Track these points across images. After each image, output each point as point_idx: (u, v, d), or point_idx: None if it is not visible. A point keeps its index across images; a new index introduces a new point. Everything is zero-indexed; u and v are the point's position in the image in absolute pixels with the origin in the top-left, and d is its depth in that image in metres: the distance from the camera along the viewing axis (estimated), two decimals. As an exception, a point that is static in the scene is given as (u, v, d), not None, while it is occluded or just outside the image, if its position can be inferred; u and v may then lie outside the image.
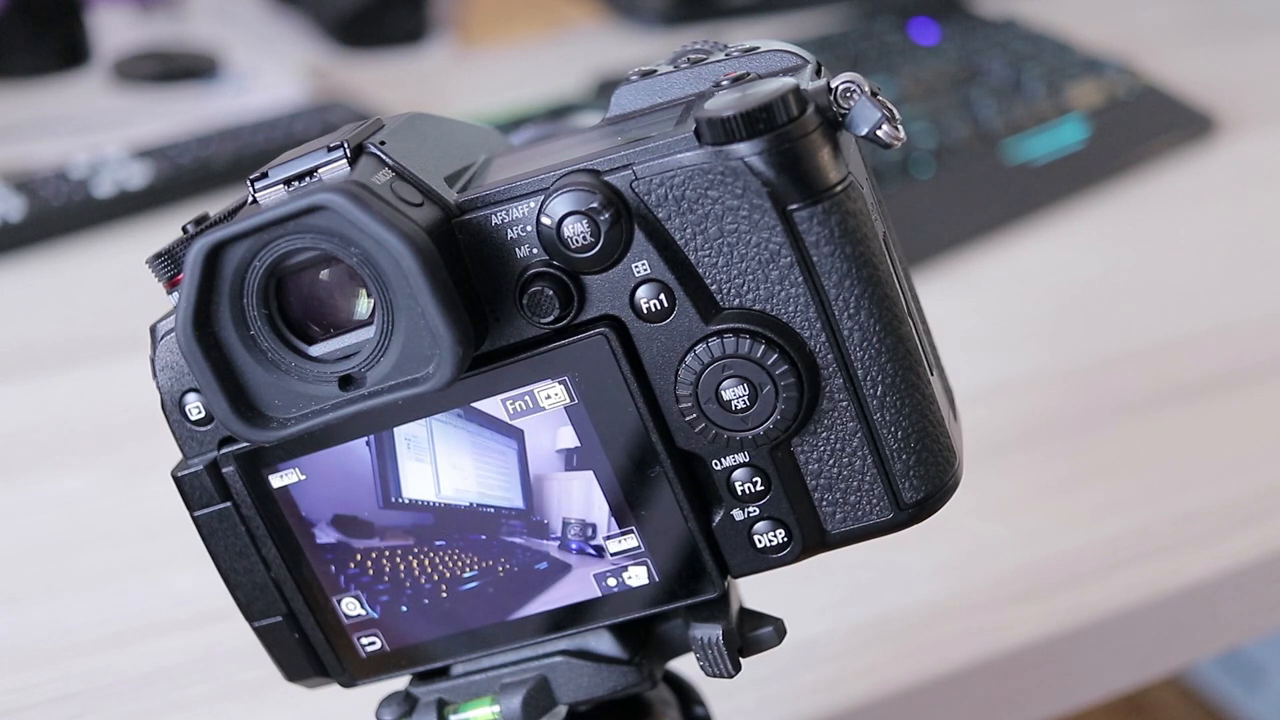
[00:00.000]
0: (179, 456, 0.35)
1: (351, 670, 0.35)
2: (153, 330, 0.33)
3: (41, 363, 0.69)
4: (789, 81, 0.28)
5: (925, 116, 0.84)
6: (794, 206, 0.29)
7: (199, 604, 0.53)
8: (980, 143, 0.83)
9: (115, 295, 0.75)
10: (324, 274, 0.29)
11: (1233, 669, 1.54)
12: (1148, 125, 0.88)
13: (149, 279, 0.32)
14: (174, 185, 0.84)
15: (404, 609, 0.34)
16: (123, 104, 0.96)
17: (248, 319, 0.29)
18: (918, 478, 0.31)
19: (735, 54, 0.31)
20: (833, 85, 0.29)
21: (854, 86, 0.29)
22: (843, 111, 0.29)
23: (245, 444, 0.32)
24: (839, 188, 0.29)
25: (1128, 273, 0.76)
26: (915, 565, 0.53)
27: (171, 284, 0.32)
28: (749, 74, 0.30)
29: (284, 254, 0.28)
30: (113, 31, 1.07)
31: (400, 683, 0.36)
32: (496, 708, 0.34)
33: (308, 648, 0.35)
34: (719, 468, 0.31)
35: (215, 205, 0.32)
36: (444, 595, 0.33)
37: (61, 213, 0.80)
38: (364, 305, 0.29)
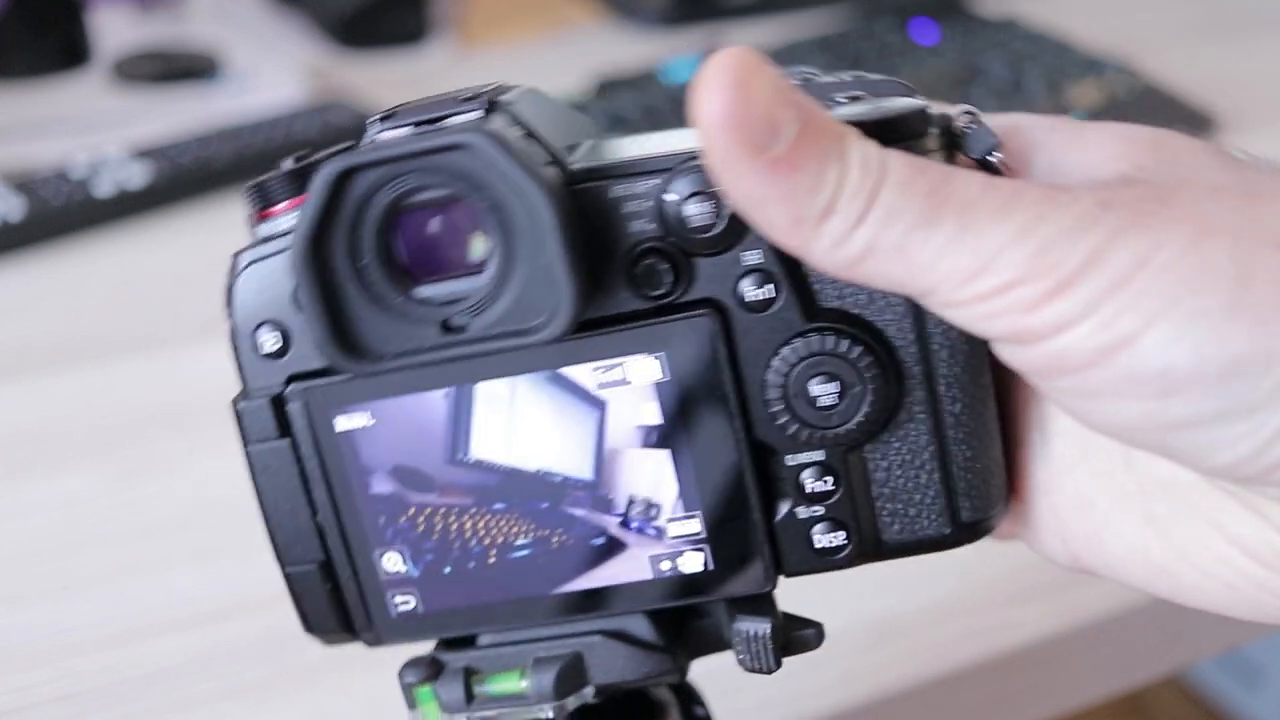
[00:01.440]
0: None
1: (379, 629, 0.34)
2: (236, 257, 0.33)
3: (42, 363, 0.69)
4: (918, 101, 0.30)
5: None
6: None
7: (199, 604, 0.53)
8: (980, 143, 0.82)
9: (115, 295, 0.75)
10: (443, 216, 0.30)
11: (1232, 669, 1.54)
12: (1148, 125, 0.88)
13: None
14: (174, 185, 0.84)
15: (447, 570, 0.33)
16: (123, 104, 0.96)
17: (360, 249, 0.29)
18: (978, 498, 0.32)
19: (845, 79, 0.33)
20: (951, 113, 0.31)
21: (974, 114, 0.31)
22: (966, 131, 0.31)
23: (317, 381, 0.32)
24: None
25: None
26: (915, 566, 0.53)
27: (261, 215, 0.32)
28: (864, 95, 0.31)
29: (411, 189, 0.29)
30: (112, 32, 1.07)
31: (427, 648, 0.35)
32: (526, 682, 0.33)
33: (338, 600, 0.34)
34: (791, 463, 0.32)
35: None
36: (491, 561, 0.33)
37: (61, 213, 0.80)
38: (478, 251, 0.30)
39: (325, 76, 1.03)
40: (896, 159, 0.27)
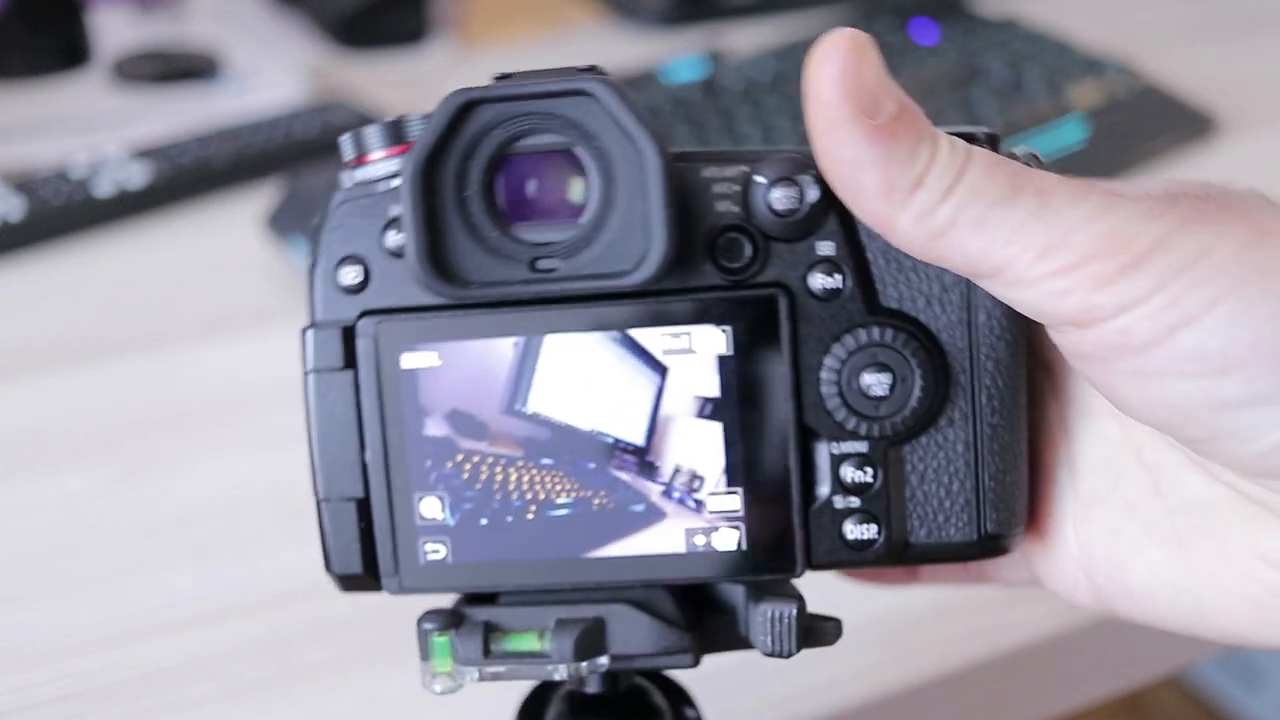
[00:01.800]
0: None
1: (404, 576, 0.34)
2: (328, 201, 0.34)
3: (42, 362, 0.69)
4: (986, 129, 0.32)
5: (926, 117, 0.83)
6: None
7: (199, 604, 0.53)
8: (980, 143, 0.82)
9: (115, 295, 0.75)
10: (549, 164, 0.32)
11: (1232, 669, 1.55)
12: (1148, 125, 0.88)
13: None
14: (174, 185, 0.84)
15: (483, 522, 0.33)
16: (123, 104, 0.96)
17: (467, 181, 0.31)
18: (1003, 511, 0.34)
19: None
20: (1016, 152, 0.33)
21: (1035, 153, 0.33)
22: (1027, 165, 0.33)
23: (391, 317, 0.33)
24: None
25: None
26: (915, 565, 0.53)
27: (356, 162, 0.34)
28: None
29: (524, 132, 0.31)
30: (112, 32, 1.07)
31: (440, 601, 0.35)
32: (546, 643, 0.33)
33: (368, 541, 0.34)
34: (835, 452, 0.33)
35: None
36: (530, 517, 0.33)
37: (61, 212, 0.80)
38: (575, 197, 0.32)
39: (325, 76, 1.03)
40: (980, 149, 0.30)
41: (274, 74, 1.01)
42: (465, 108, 0.31)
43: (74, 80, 1.00)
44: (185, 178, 0.84)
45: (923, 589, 0.52)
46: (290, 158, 0.87)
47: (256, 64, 1.03)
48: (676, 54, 0.94)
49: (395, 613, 0.52)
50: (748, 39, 1.01)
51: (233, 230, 0.80)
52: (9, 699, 0.49)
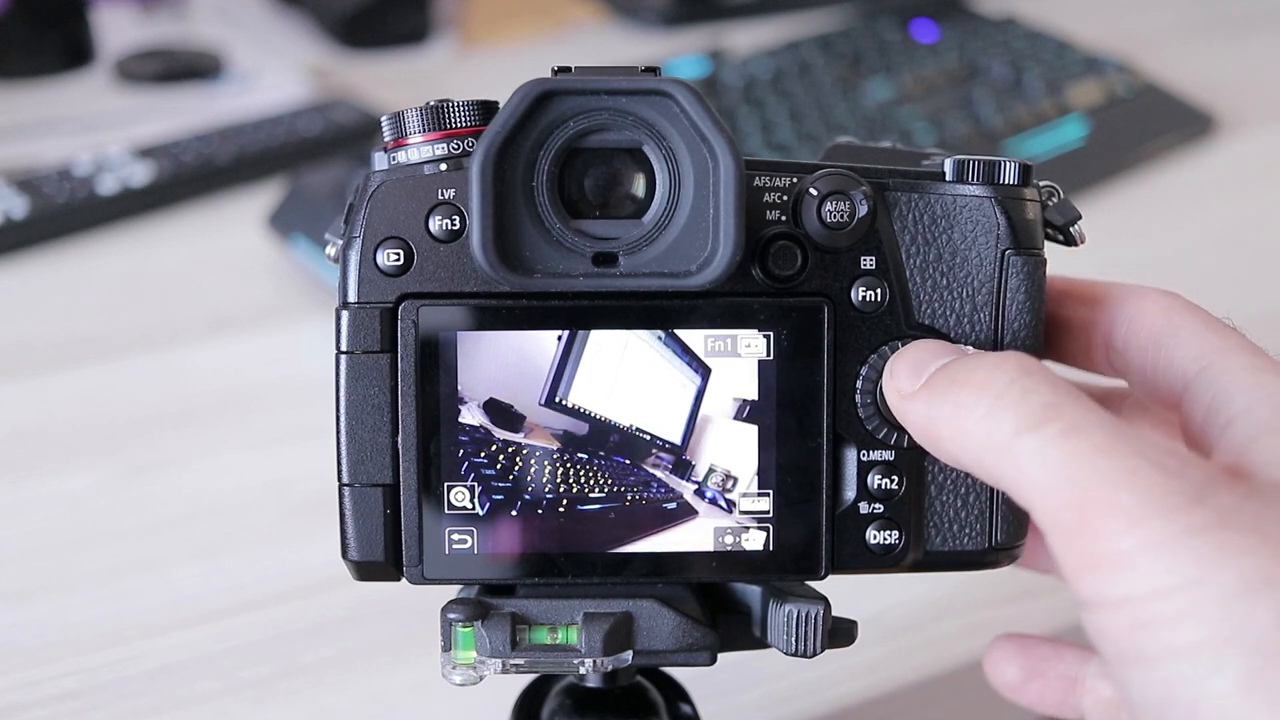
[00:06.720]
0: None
1: (427, 566, 0.34)
2: (367, 178, 0.34)
3: (45, 360, 0.70)
4: (1019, 160, 0.33)
5: (926, 116, 0.84)
6: (1009, 250, 0.33)
7: (202, 601, 0.54)
8: (981, 142, 0.83)
9: (118, 293, 0.75)
10: (618, 160, 0.32)
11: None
12: (1147, 124, 0.89)
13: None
14: (177, 184, 0.84)
15: (513, 514, 0.33)
16: (126, 103, 0.96)
17: (536, 169, 0.31)
18: (1011, 524, 0.35)
19: (930, 150, 0.37)
20: (1039, 184, 0.35)
21: (1055, 188, 0.35)
22: (1050, 201, 0.35)
23: (436, 303, 0.33)
24: (1041, 251, 0.34)
25: (1126, 271, 0.76)
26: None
27: (395, 144, 0.34)
28: (950, 155, 0.35)
29: (597, 126, 0.31)
30: (115, 31, 1.07)
31: (454, 592, 0.35)
32: (576, 638, 0.33)
33: (394, 528, 0.34)
34: (864, 459, 0.34)
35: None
36: (561, 510, 0.33)
37: (65, 211, 0.80)
38: (641, 196, 0.32)
39: (327, 76, 1.03)
40: None
41: (276, 73, 1.01)
42: (541, 98, 0.31)
43: (77, 79, 1.01)
44: (188, 176, 0.84)
45: (921, 584, 0.52)
46: (292, 156, 0.87)
47: (259, 63, 1.03)
48: (677, 54, 0.94)
49: (396, 610, 0.52)
50: (748, 39, 1.01)
51: (235, 228, 0.80)
52: (14, 695, 0.49)
